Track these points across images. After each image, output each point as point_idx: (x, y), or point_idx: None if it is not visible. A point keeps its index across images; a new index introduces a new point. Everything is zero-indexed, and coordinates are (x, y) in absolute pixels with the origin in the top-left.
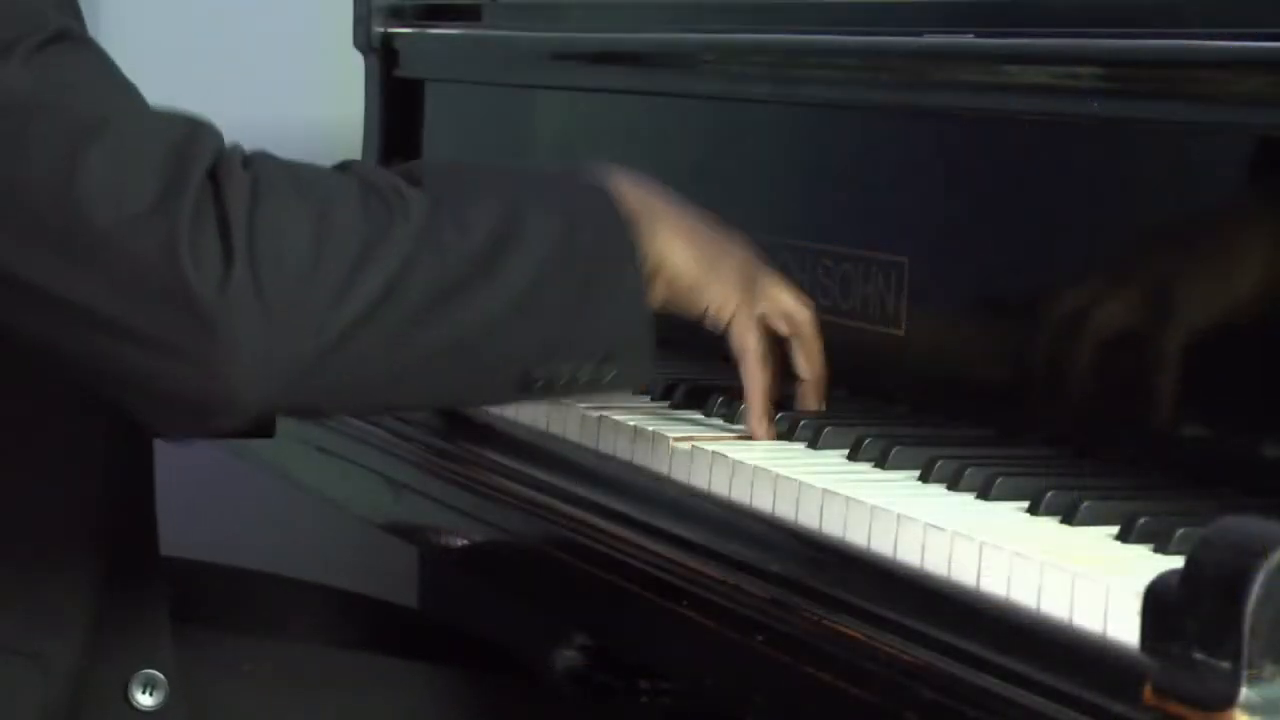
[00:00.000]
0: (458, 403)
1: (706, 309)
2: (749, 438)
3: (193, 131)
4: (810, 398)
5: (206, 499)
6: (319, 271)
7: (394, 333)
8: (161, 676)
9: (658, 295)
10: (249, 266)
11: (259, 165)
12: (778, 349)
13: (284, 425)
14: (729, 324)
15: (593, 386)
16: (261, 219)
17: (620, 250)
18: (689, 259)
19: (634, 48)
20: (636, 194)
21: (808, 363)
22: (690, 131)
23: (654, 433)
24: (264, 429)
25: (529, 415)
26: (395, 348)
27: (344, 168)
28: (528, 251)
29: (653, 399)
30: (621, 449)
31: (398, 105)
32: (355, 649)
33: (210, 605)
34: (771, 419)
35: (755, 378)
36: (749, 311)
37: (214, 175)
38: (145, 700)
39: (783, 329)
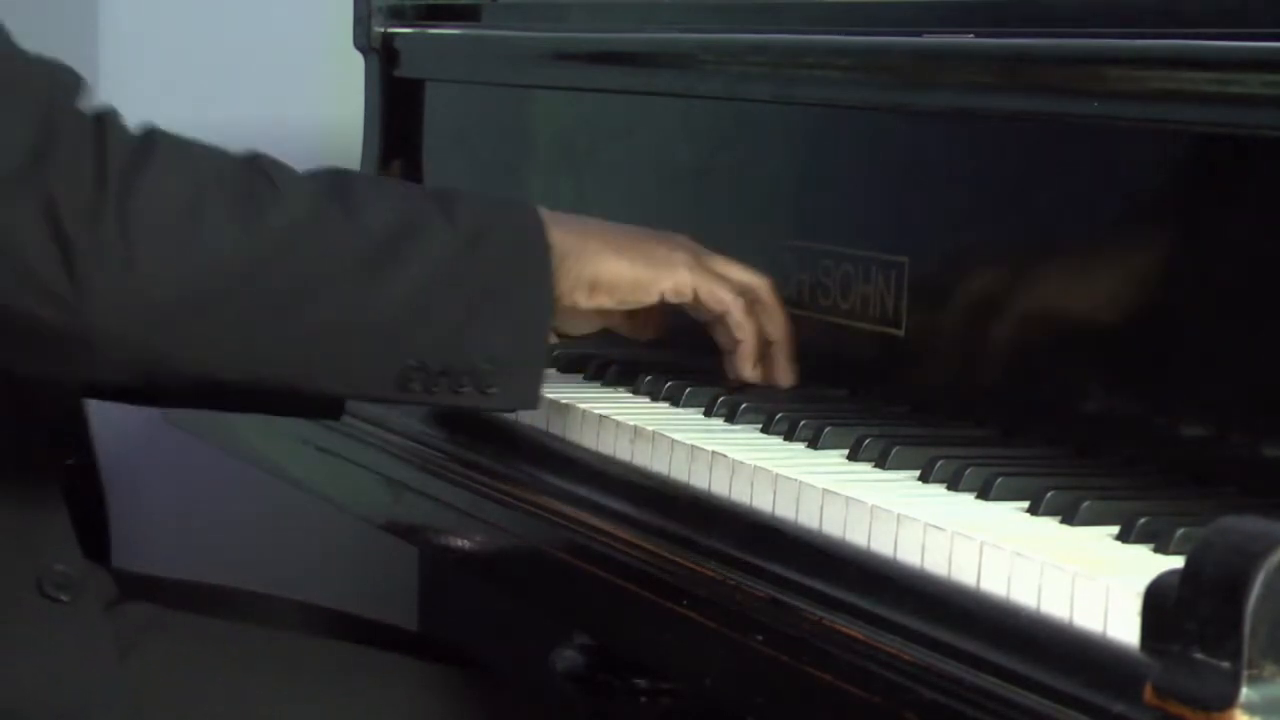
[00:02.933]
0: (328, 388)
1: (662, 295)
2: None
3: (62, 82)
4: (780, 362)
5: (203, 499)
6: (187, 237)
7: (258, 307)
8: (74, 574)
9: (603, 303)
10: (118, 221)
11: (150, 134)
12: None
13: (282, 423)
14: (695, 295)
15: (473, 402)
16: (139, 182)
17: (526, 272)
18: (624, 264)
19: (634, 48)
20: (564, 222)
21: (773, 326)
22: (690, 131)
23: (654, 433)
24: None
25: (529, 415)
26: (258, 322)
27: (244, 155)
28: (419, 257)
29: (653, 399)
30: (622, 449)
31: (398, 105)
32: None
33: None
34: (758, 363)
35: (745, 326)
36: (707, 278)
37: (99, 129)
38: (60, 594)
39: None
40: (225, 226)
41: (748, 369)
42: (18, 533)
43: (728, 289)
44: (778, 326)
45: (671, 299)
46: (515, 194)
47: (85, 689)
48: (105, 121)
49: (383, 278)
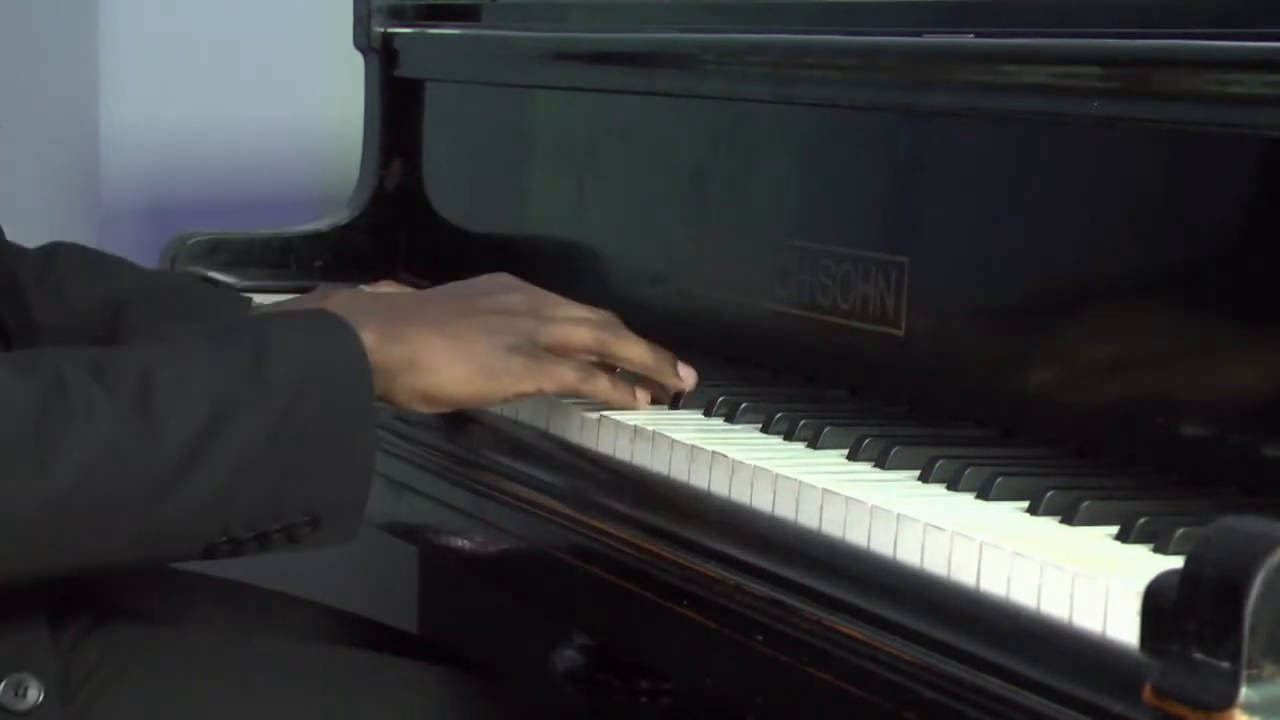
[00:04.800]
0: (137, 564)
1: (505, 402)
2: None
3: None
4: (666, 381)
5: None
6: None
7: (53, 543)
8: (34, 679)
9: (443, 411)
10: None
11: None
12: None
13: None
14: (541, 392)
15: (285, 549)
16: None
17: (347, 426)
18: (460, 378)
19: (634, 48)
20: (391, 329)
21: (633, 361)
22: (690, 131)
23: (654, 433)
24: None
25: (529, 416)
26: (56, 550)
27: (36, 366)
28: (227, 453)
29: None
30: (621, 449)
31: (398, 105)
32: (343, 659)
33: (193, 614)
34: (634, 396)
35: (600, 392)
36: (544, 374)
37: None
38: (18, 704)
39: (588, 356)
40: (16, 482)
41: (635, 406)
42: None
43: (569, 372)
44: (635, 357)
45: (511, 400)
46: (515, 196)
47: None
48: None
49: (188, 483)
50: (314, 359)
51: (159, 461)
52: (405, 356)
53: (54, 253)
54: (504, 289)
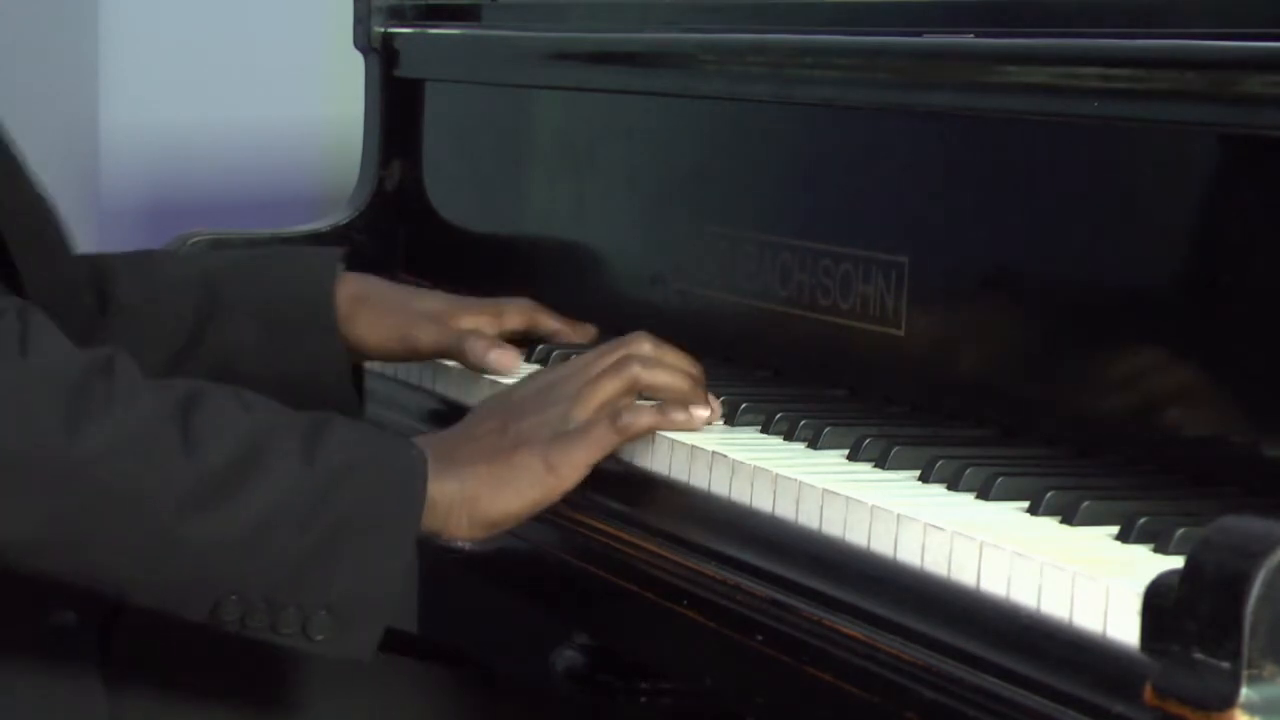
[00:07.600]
0: (140, 601)
1: (565, 486)
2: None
3: None
4: (694, 411)
5: None
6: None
7: (67, 505)
8: (67, 625)
9: (508, 528)
10: None
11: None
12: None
13: None
14: (588, 470)
15: (294, 644)
16: None
17: (386, 519)
18: (514, 501)
19: (634, 48)
20: (448, 469)
21: (667, 389)
22: (690, 131)
23: (654, 433)
24: None
25: None
26: (65, 518)
27: (103, 361)
28: (254, 496)
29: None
30: (621, 449)
31: (398, 105)
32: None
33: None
34: (685, 413)
35: (639, 427)
36: (577, 460)
37: None
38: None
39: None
40: (42, 436)
41: (692, 426)
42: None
43: (606, 433)
44: (666, 384)
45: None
46: (515, 196)
47: None
48: None
49: (207, 516)
50: (369, 453)
51: (183, 478)
52: (455, 491)
53: (147, 251)
54: (539, 391)
